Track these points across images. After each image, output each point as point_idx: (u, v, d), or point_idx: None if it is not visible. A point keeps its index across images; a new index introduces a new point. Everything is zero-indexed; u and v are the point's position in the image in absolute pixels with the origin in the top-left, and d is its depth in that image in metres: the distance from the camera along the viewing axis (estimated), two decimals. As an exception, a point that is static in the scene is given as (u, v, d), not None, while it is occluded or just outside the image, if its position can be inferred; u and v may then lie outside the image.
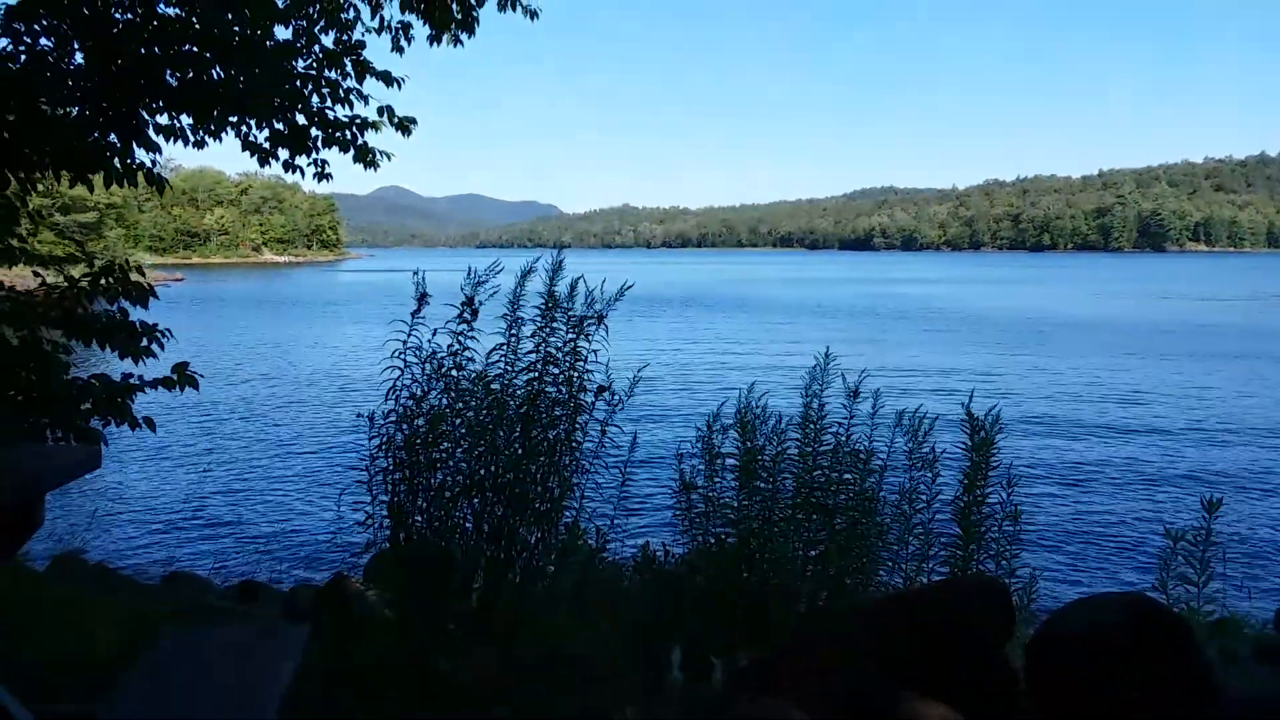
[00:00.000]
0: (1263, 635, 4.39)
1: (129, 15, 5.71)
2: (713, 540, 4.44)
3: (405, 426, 4.24)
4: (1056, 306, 53.81)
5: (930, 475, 4.33)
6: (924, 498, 4.32)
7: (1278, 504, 12.39)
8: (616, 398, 4.37)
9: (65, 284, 5.75)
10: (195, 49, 5.70)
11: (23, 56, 5.48)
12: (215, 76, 5.82)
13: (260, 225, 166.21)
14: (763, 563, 4.32)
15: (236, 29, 5.84)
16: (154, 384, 5.55)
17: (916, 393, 19.48)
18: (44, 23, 5.46)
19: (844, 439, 4.40)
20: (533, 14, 8.05)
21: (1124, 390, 21.99)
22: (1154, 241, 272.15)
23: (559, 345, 4.31)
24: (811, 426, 4.40)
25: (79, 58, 5.59)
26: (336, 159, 6.92)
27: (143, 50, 5.52)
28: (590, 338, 4.32)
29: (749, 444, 4.47)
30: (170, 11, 5.80)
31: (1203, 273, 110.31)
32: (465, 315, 4.34)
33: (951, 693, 2.74)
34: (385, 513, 4.24)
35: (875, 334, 37.73)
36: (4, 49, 5.47)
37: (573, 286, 4.37)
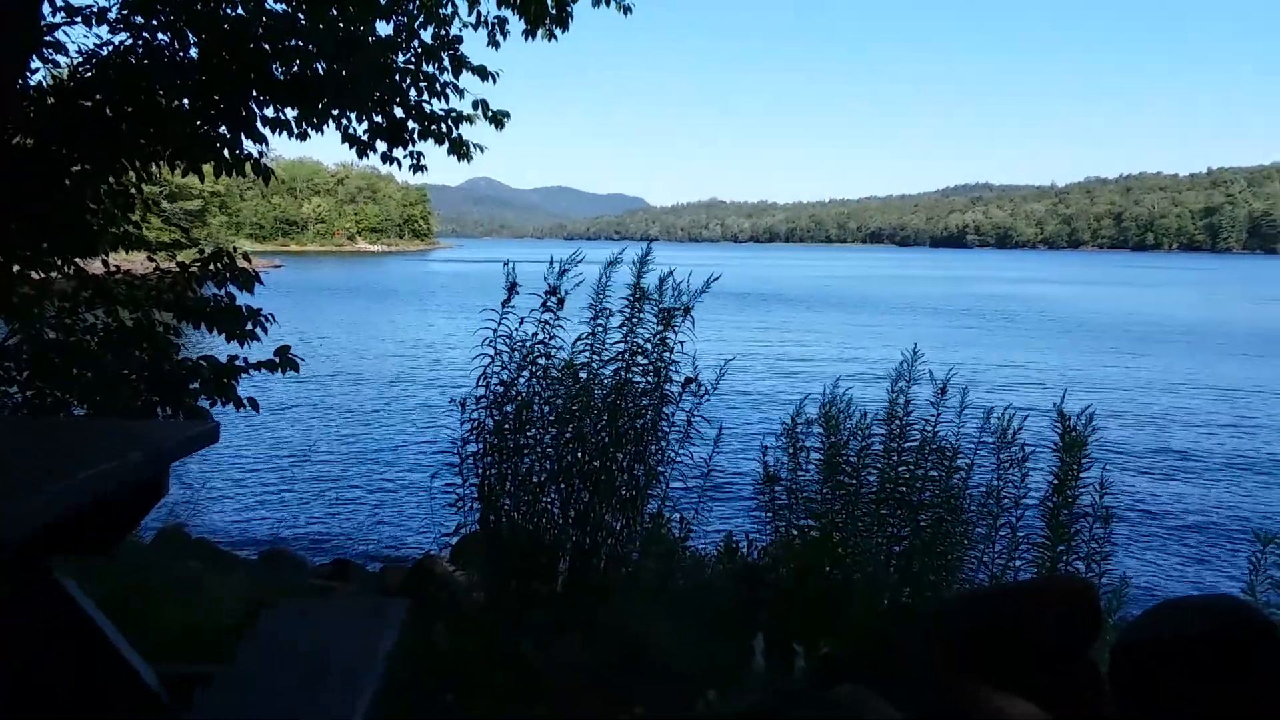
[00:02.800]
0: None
1: (240, 11, 5.94)
2: (795, 533, 4.45)
3: (495, 412, 4.34)
4: (1158, 308, 52.00)
5: (1019, 474, 4.27)
6: (1011, 497, 4.26)
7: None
8: (703, 389, 4.41)
9: (177, 269, 6.02)
10: (302, 44, 5.89)
11: (140, 49, 5.75)
12: (320, 71, 6.01)
13: (355, 215, 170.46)
14: (845, 557, 4.32)
15: (341, 25, 6.03)
16: (258, 366, 5.78)
17: (1006, 391, 19.11)
18: (161, 18, 5.72)
19: (930, 435, 4.36)
20: (626, 9, 8.11)
21: (1222, 393, 21.21)
22: (1265, 243, 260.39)
23: (646, 336, 4.37)
24: (897, 422, 4.38)
25: (193, 52, 5.83)
26: (430, 150, 7.07)
27: (252, 45, 5.74)
28: (677, 329, 4.36)
29: (833, 438, 4.46)
30: (279, 8, 6.02)
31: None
32: (550, 304, 4.42)
33: (1036, 693, 2.72)
34: (475, 496, 4.34)
35: (965, 332, 37.00)
36: (123, 43, 5.75)
37: (661, 278, 4.42)
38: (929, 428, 4.38)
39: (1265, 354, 29.61)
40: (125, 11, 5.68)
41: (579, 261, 4.44)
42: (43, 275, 5.74)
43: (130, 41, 5.72)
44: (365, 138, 6.76)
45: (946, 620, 3.21)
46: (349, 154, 6.98)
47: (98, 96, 5.61)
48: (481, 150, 7.21)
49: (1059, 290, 71.33)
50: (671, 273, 4.49)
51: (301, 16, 5.97)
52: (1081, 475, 4.11)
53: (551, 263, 4.45)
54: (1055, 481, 4.12)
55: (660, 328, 4.35)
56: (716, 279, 4.46)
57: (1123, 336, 35.62)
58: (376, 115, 6.65)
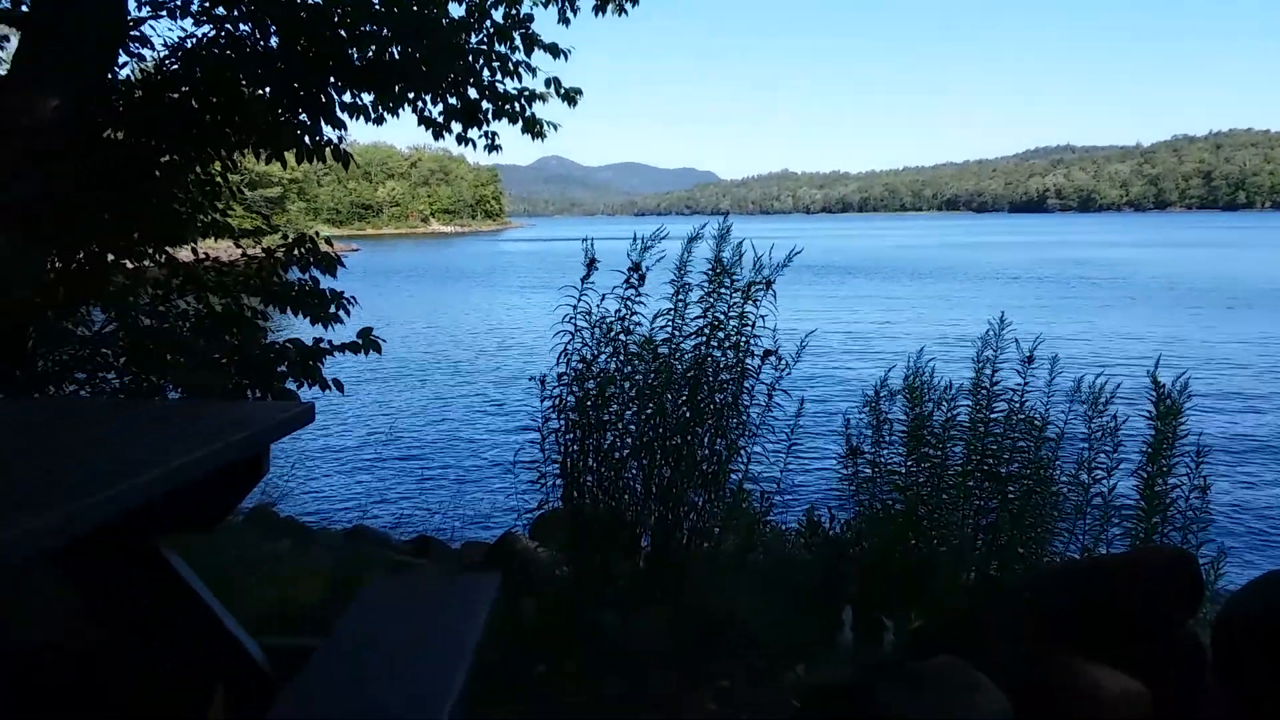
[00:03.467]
0: None
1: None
2: (879, 507, 4.40)
3: (576, 388, 4.37)
4: (1254, 270, 49.98)
5: (1110, 445, 4.15)
6: (1103, 467, 4.15)
7: None
8: (783, 362, 4.37)
9: (262, 254, 6.17)
10: (377, 28, 5.96)
11: (223, 41, 5.88)
12: (395, 54, 6.07)
13: (428, 197, 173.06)
14: (930, 530, 4.26)
15: (414, 8, 6.08)
16: (341, 348, 5.89)
17: (1095, 358, 18.60)
18: (242, 9, 5.84)
19: (1018, 405, 4.27)
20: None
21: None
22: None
23: (725, 310, 4.34)
24: (983, 393, 4.30)
25: (273, 41, 5.94)
26: (503, 130, 7.11)
27: (329, 32, 5.82)
28: (758, 303, 4.33)
29: (917, 409, 4.40)
30: (354, -6, 6.10)
31: None
32: (633, 280, 4.42)
33: (1133, 665, 2.66)
34: (557, 473, 4.38)
35: (1048, 299, 36.10)
36: (207, 35, 5.89)
37: (740, 252, 4.38)
38: (1016, 398, 4.28)
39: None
40: (208, 4, 5.81)
41: (663, 238, 4.43)
42: (135, 264, 5.93)
43: (213, 33, 5.86)
44: (440, 119, 6.82)
45: (1040, 593, 3.15)
46: (422, 137, 7.18)
47: (183, 88, 5.76)
48: (555, 128, 7.22)
49: (1146, 254, 69.07)
50: (749, 243, 4.45)
51: (376, 2, 6.03)
52: (1177, 444, 3.99)
53: (635, 239, 4.44)
54: (1149, 450, 4.01)
55: (740, 301, 4.32)
56: (799, 252, 4.41)
57: (1215, 300, 34.33)
58: (451, 97, 6.70)
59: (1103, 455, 4.17)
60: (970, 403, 4.36)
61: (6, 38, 5.99)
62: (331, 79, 6.06)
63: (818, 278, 46.03)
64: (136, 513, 1.66)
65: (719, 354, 4.35)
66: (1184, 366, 4.42)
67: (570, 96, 7.18)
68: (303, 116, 6.10)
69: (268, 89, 5.94)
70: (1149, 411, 4.09)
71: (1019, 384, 4.30)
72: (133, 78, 5.97)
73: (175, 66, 5.80)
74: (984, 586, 4.01)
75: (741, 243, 4.42)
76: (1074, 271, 50.63)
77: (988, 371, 4.31)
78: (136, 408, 2.70)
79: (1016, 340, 4.35)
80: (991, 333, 4.31)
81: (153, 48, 5.94)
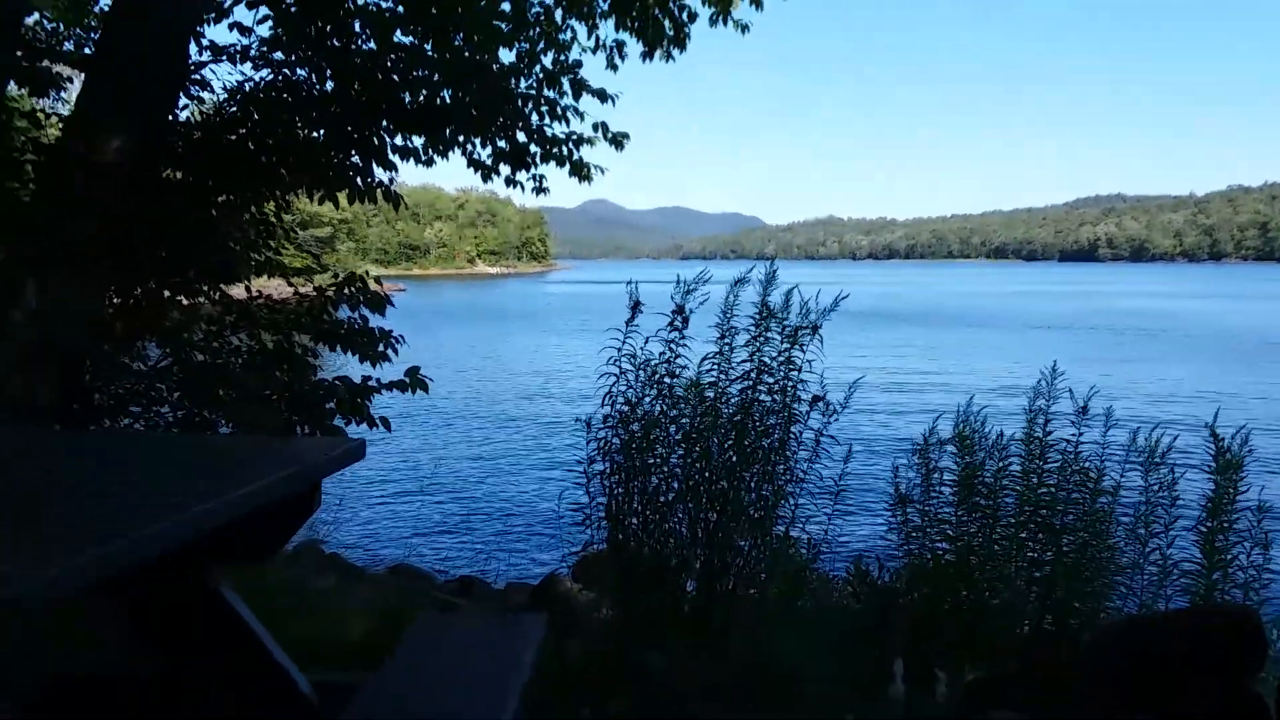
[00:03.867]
0: None
1: (371, 44, 6.18)
2: (929, 556, 4.32)
3: (621, 431, 4.35)
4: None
5: (1168, 499, 4.05)
6: (1161, 523, 4.04)
7: None
8: (831, 408, 4.33)
9: (314, 293, 6.27)
10: (428, 73, 6.08)
11: (280, 85, 6.03)
12: (446, 99, 6.19)
13: (475, 238, 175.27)
14: (981, 581, 4.17)
15: (465, 53, 6.20)
16: (390, 386, 5.94)
17: (1152, 413, 18.21)
18: (298, 54, 5.99)
19: (1072, 456, 4.18)
20: (744, 28, 8.11)
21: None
22: None
23: (773, 355, 4.32)
24: (1036, 443, 4.22)
25: (328, 85, 6.09)
26: (551, 173, 7.20)
27: (382, 76, 5.95)
28: (805, 348, 4.30)
29: (968, 458, 4.33)
30: (406, 39, 6.23)
31: None
32: (677, 323, 4.41)
33: (1197, 725, 2.57)
34: (603, 515, 4.36)
35: (1103, 350, 35.50)
36: (265, 79, 6.04)
37: (787, 296, 4.37)
38: (1070, 448, 4.20)
39: None
40: (266, 49, 5.96)
41: (706, 281, 4.43)
42: (191, 300, 6.05)
43: (271, 77, 6.01)
44: (489, 162, 6.92)
45: (1102, 649, 3.06)
46: (469, 179, 7.24)
47: (241, 130, 5.91)
48: (602, 172, 7.29)
49: (1201, 304, 67.81)
50: (798, 288, 4.43)
51: (428, 47, 6.16)
52: (1238, 499, 3.89)
53: (678, 282, 4.45)
54: (1209, 506, 3.90)
55: (787, 346, 4.30)
56: (845, 297, 4.39)
57: (1272, 354, 33.56)
58: (500, 140, 6.80)
59: (1160, 510, 4.06)
60: (1023, 452, 4.29)
61: (70, 79, 6.20)
62: (384, 122, 6.19)
63: (866, 324, 45.76)
64: (189, 546, 1.67)
65: (765, 398, 4.33)
66: (1243, 421, 4.31)
67: (618, 140, 7.26)
68: (355, 158, 6.23)
69: (322, 131, 6.08)
70: (1209, 465, 3.99)
71: (1073, 435, 4.22)
72: (192, 120, 6.13)
73: (234, 109, 5.95)
74: (1039, 640, 3.92)
75: (791, 290, 4.41)
76: (1127, 322, 49.78)
77: (1040, 421, 4.24)
78: (190, 442, 2.74)
79: (1071, 391, 4.27)
80: (1044, 383, 4.25)
81: (212, 90, 6.10)
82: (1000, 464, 4.28)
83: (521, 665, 2.22)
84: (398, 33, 6.22)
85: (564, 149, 7.01)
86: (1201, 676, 2.78)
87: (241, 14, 6.00)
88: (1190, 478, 4.12)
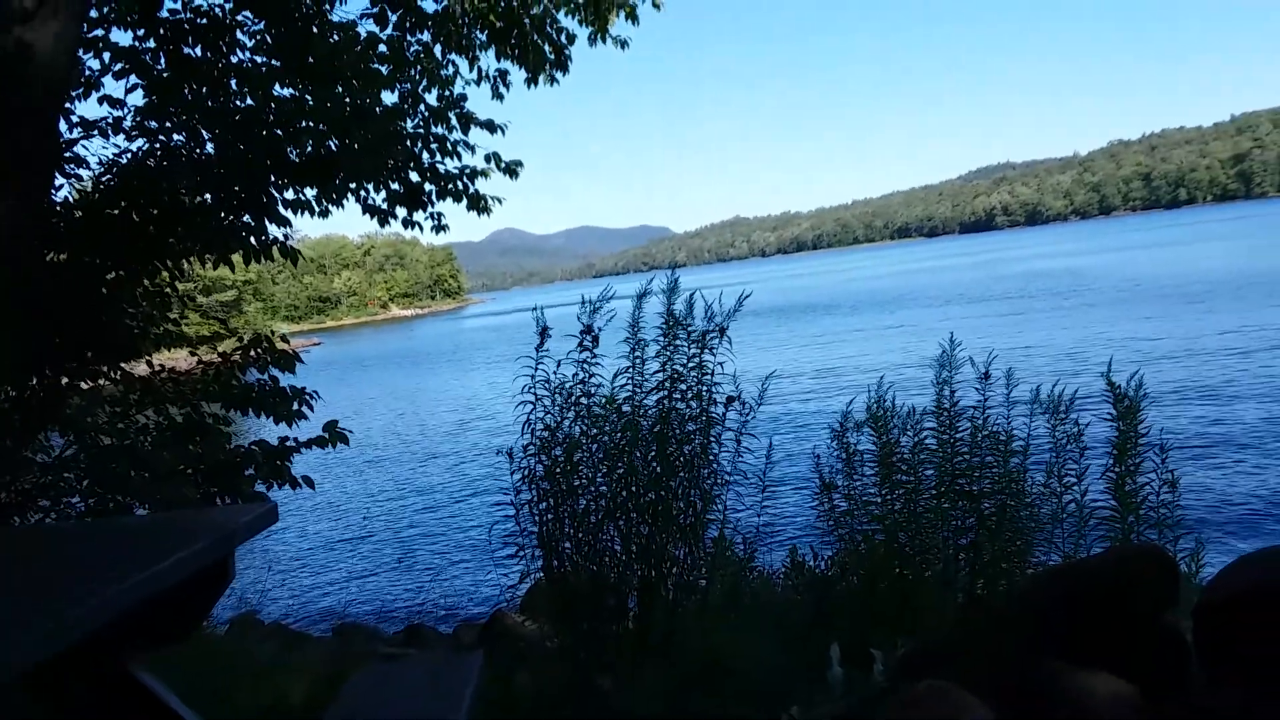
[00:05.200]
0: None
1: (249, 101, 6.10)
2: (859, 538, 4.41)
3: (544, 457, 4.35)
4: (1193, 264, 50.95)
5: (1077, 450, 4.20)
6: (1073, 473, 4.19)
7: None
8: (747, 407, 4.39)
9: (219, 359, 6.14)
10: (312, 123, 6.02)
11: (158, 152, 5.91)
12: (333, 147, 6.13)
13: (385, 283, 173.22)
14: (913, 556, 4.27)
15: (347, 101, 6.15)
16: (309, 444, 5.85)
17: (1052, 369, 18.87)
18: (174, 119, 5.88)
19: (980, 423, 4.31)
20: (623, 44, 8.21)
21: (1274, 341, 20.75)
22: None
23: (684, 362, 4.36)
24: (945, 414, 4.34)
25: (209, 147, 5.98)
26: (450, 209, 7.19)
27: (265, 132, 5.88)
28: (714, 351, 4.35)
29: (884, 438, 4.43)
30: (286, 93, 6.17)
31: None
32: (586, 343, 4.43)
33: (1119, 665, 2.67)
34: (535, 543, 4.34)
35: (1005, 314, 36.59)
36: (141, 149, 5.92)
37: (690, 303, 4.41)
38: (978, 415, 4.33)
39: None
40: (139, 119, 5.84)
41: (609, 298, 4.46)
42: (91, 384, 5.88)
43: (147, 146, 5.89)
44: (385, 206, 6.87)
45: (1022, 603, 3.16)
46: (373, 224, 7.13)
47: (122, 203, 5.77)
48: (500, 202, 7.29)
49: (1092, 260, 70.15)
50: (700, 293, 4.49)
51: (309, 97, 6.10)
52: (1141, 442, 4.05)
53: (583, 302, 4.47)
54: (1115, 452, 4.06)
55: (697, 351, 4.34)
56: (748, 296, 4.45)
57: (1162, 298, 34.85)
58: (393, 182, 6.76)
59: (1071, 462, 4.21)
60: (935, 425, 4.40)
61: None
62: (271, 178, 6.11)
63: (777, 320, 46.46)
64: (103, 631, 1.63)
65: (682, 406, 4.36)
66: (1142, 364, 4.50)
67: (511, 169, 7.27)
68: (246, 218, 6.13)
69: (208, 195, 5.97)
70: (1110, 413, 4.15)
71: (979, 401, 4.34)
72: (70, 199, 5.97)
73: (112, 182, 5.82)
74: (971, 606, 4.02)
75: (693, 294, 4.45)
76: (1025, 285, 51.34)
77: (946, 392, 4.35)
78: (96, 527, 2.67)
79: (971, 359, 4.40)
80: (945, 353, 4.37)
81: (88, 166, 5.96)
82: (915, 438, 4.39)
83: (460, 704, 2.21)
84: (276, 86, 6.15)
85: (459, 184, 7.00)
86: (1119, 618, 2.89)
87: (111, 86, 5.89)
88: (1096, 427, 4.28)
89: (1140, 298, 35.75)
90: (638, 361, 4.40)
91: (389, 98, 6.78)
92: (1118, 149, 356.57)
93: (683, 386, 4.34)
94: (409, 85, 7.13)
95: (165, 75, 5.91)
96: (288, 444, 5.83)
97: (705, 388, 4.35)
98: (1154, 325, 26.70)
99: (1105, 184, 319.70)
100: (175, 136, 5.94)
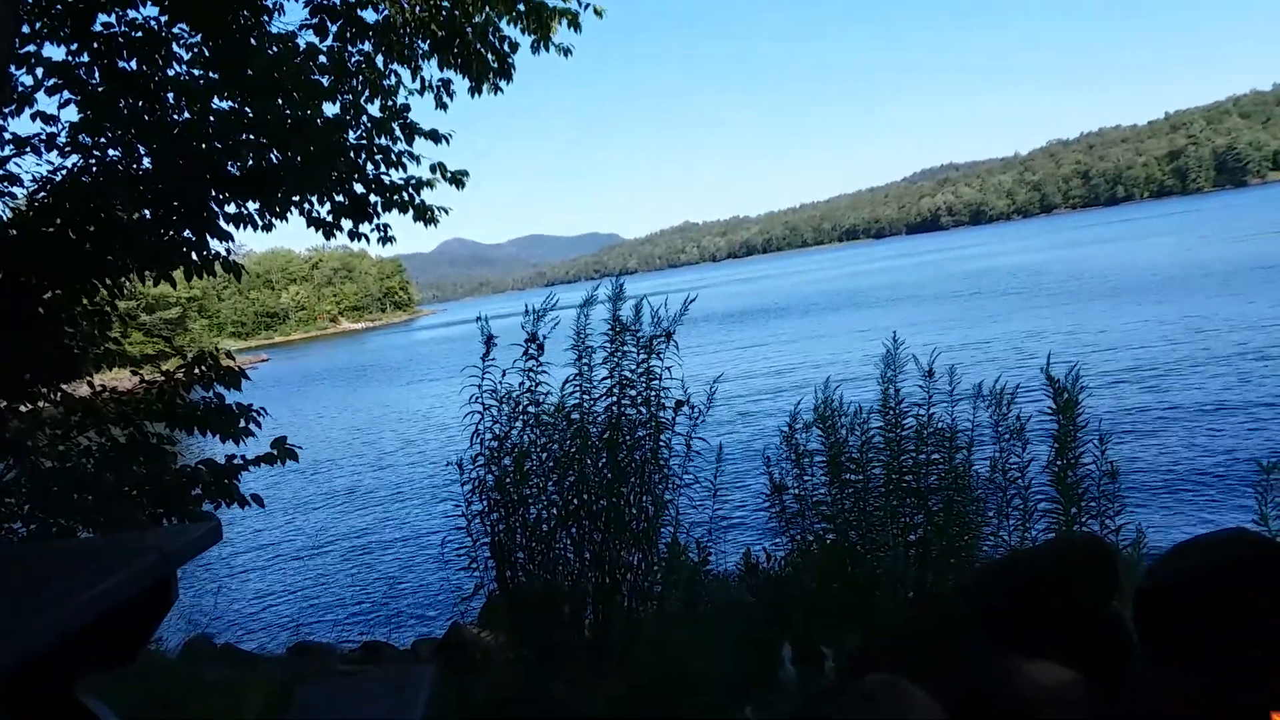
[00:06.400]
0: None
1: (187, 115, 6.00)
2: (811, 538, 4.45)
3: (494, 467, 4.33)
4: (1132, 259, 52.18)
5: (1020, 444, 4.28)
6: (1016, 467, 4.27)
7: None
8: (696, 411, 4.40)
9: (162, 378, 6.03)
10: (252, 137, 5.94)
11: (94, 168, 5.80)
12: (275, 160, 6.06)
13: (334, 296, 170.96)
14: (864, 553, 4.32)
15: (288, 112, 6.08)
16: (256, 461, 5.77)
17: (994, 364, 19.20)
18: (109, 134, 5.77)
19: (926, 420, 4.38)
20: (566, 51, 8.19)
21: (1206, 334, 21.37)
22: (1233, 177, 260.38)
23: (632, 367, 4.37)
24: (891, 412, 4.40)
25: (146, 162, 5.88)
26: (397, 220, 7.12)
27: (204, 145, 5.79)
28: (662, 356, 4.36)
29: (832, 438, 4.48)
30: (225, 105, 6.08)
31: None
32: (532, 351, 4.42)
33: (1063, 653, 2.73)
34: (489, 554, 4.33)
35: (947, 313, 37.19)
36: (76, 165, 5.80)
37: (637, 308, 4.42)
38: (923, 412, 4.40)
39: (1241, 291, 29.64)
40: (74, 135, 5.73)
41: (553, 306, 4.46)
42: (30, 405, 5.75)
43: (82, 162, 5.77)
44: (329, 219, 6.80)
45: (969, 597, 3.22)
46: (320, 238, 7.03)
47: (58, 221, 5.65)
48: (446, 212, 7.24)
49: (1034, 258, 71.40)
50: (646, 299, 4.50)
51: (248, 110, 6.02)
52: (1080, 434, 4.14)
53: (527, 311, 4.46)
54: (1056, 444, 4.15)
55: (644, 356, 4.36)
56: (693, 300, 4.48)
57: (1104, 293, 35.62)
58: (337, 195, 6.69)
59: (1014, 455, 4.29)
60: (882, 423, 4.46)
61: None
62: (211, 192, 6.01)
63: (727, 325, 46.75)
64: (45, 656, 1.60)
65: (632, 411, 4.37)
66: (1081, 358, 4.61)
67: (457, 179, 7.22)
68: (187, 233, 6.03)
69: (146, 211, 5.87)
70: (1051, 406, 4.24)
71: (924, 398, 4.41)
72: (4, 217, 5.83)
73: (47, 200, 5.69)
74: (919, 601, 4.08)
75: (640, 300, 4.47)
76: (971, 283, 52.13)
77: (891, 390, 4.41)
78: (35, 551, 2.61)
79: (915, 356, 4.47)
80: (890, 352, 4.43)
81: (22, 184, 5.82)
82: (863, 438, 4.44)
83: (413, 713, 2.20)
84: (214, 99, 6.06)
85: (405, 194, 6.94)
86: (1066, 606, 2.96)
87: (44, 102, 5.77)
88: (1039, 419, 4.37)
89: (1083, 293, 36.49)
90: (585, 368, 4.40)
91: (330, 109, 6.70)
92: (1057, 148, 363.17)
93: (631, 392, 4.35)
94: (351, 96, 7.05)
95: (100, 90, 5.79)
96: (235, 462, 5.74)
97: (654, 393, 4.36)
98: (1095, 319, 27.29)
99: (1046, 183, 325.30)
100: (111, 152, 5.83)
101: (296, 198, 6.50)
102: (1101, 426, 4.19)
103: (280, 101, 6.11)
